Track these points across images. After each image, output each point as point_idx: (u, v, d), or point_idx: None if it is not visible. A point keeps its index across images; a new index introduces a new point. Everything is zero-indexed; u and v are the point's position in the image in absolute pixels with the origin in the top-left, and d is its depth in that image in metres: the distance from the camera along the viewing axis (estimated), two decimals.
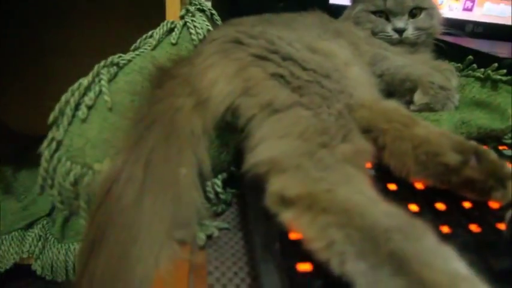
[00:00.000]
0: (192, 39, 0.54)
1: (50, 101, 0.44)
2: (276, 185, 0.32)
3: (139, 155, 0.36)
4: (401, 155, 0.38)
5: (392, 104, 0.44)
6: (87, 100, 0.44)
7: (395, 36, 0.69)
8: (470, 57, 0.62)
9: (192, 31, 0.55)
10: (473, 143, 0.39)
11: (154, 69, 0.47)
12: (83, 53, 0.80)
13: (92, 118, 0.44)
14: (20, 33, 0.89)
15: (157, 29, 0.54)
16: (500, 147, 0.50)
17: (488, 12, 0.94)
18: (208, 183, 0.44)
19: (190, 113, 0.40)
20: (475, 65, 0.61)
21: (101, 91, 0.44)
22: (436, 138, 0.39)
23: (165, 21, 0.55)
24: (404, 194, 0.38)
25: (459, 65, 0.65)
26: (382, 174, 0.40)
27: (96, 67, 0.46)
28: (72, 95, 0.44)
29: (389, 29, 0.70)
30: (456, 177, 0.36)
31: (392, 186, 0.39)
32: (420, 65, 0.60)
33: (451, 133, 0.41)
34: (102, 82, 0.45)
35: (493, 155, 0.38)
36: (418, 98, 0.54)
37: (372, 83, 0.53)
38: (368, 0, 0.72)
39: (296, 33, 0.53)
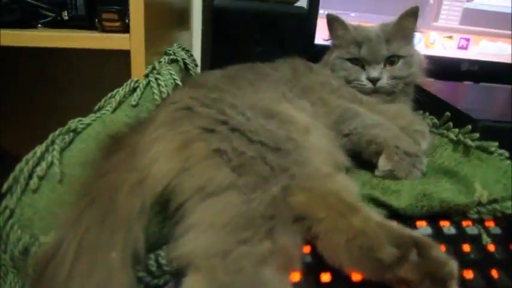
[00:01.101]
0: (155, 99, 0.55)
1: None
2: (186, 285, 0.32)
3: (75, 234, 0.37)
4: (334, 247, 0.37)
5: (337, 186, 0.42)
6: (39, 171, 0.45)
7: (369, 85, 0.67)
8: (448, 113, 0.59)
9: (155, 91, 0.56)
10: (415, 235, 0.37)
11: (107, 137, 0.48)
12: (83, 90, 0.84)
13: (42, 189, 0.45)
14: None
15: (121, 89, 0.55)
16: (464, 223, 0.47)
17: (485, 51, 0.89)
18: (152, 255, 0.44)
19: (130, 192, 0.41)
20: (450, 124, 0.58)
21: (52, 162, 0.46)
22: (373, 229, 0.37)
23: (129, 80, 0.56)
24: (338, 286, 0.37)
25: (436, 121, 0.62)
26: (317, 262, 0.38)
27: (51, 136, 0.48)
28: (26, 164, 0.46)
29: (363, 77, 0.67)
30: (390, 275, 0.35)
31: (325, 277, 0.38)
32: (391, 124, 0.58)
33: (391, 223, 0.39)
34: (55, 153, 0.46)
35: (436, 250, 0.35)
36: (382, 164, 0.52)
37: (331, 150, 0.52)
38: (344, 46, 0.70)
39: (256, 96, 0.53)
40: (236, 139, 0.43)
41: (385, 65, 0.67)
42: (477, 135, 0.52)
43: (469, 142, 0.52)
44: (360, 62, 0.68)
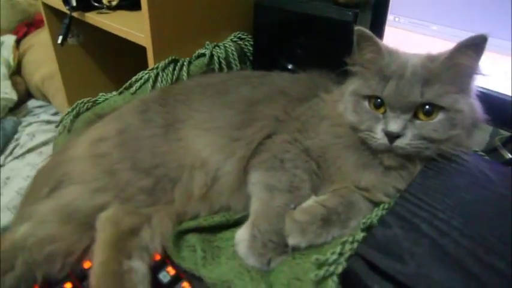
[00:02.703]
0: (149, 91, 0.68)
1: None
2: None
3: None
4: None
5: None
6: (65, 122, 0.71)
7: (384, 141, 0.45)
8: None
9: (149, 84, 0.67)
10: None
11: (93, 114, 0.66)
12: None
13: (60, 136, 0.71)
14: None
15: (139, 75, 0.70)
16: None
17: None
18: None
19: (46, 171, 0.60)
20: None
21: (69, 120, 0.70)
22: None
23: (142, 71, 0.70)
24: None
25: None
26: None
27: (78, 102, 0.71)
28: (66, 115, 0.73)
29: (378, 129, 0.46)
30: None
31: None
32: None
33: None
34: (71, 116, 0.70)
35: None
36: (238, 233, 0.48)
37: None
38: (367, 77, 0.48)
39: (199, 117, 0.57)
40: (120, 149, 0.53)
41: (414, 116, 0.45)
42: None
43: None
44: (382, 105, 0.47)
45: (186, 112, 0.57)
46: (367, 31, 0.48)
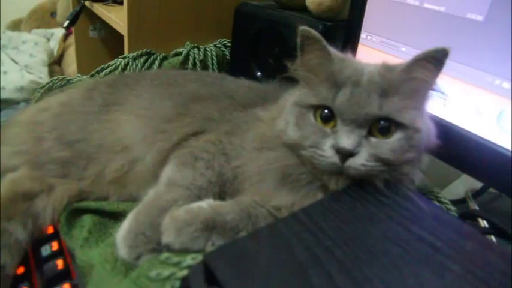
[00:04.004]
0: None
1: None
2: None
3: None
4: None
5: None
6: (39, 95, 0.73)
7: (334, 160, 0.37)
8: None
9: (117, 72, 0.68)
10: None
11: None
12: None
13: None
14: None
15: (112, 62, 0.72)
16: None
17: None
18: None
19: None
20: None
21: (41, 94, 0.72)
22: None
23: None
24: None
25: None
26: None
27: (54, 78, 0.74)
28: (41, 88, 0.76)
29: (326, 145, 0.38)
30: None
31: None
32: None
33: None
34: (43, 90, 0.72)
35: None
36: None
37: None
38: (314, 84, 0.41)
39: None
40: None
41: (370, 133, 0.38)
42: None
43: None
44: (331, 118, 0.39)
45: (127, 96, 0.56)
46: (314, 32, 0.41)
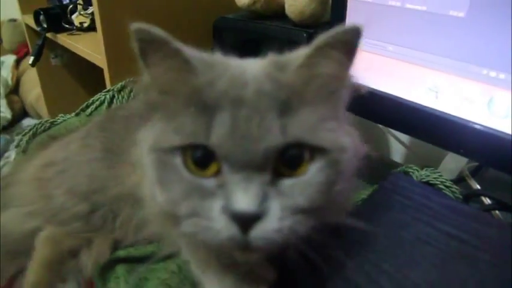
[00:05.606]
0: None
1: None
2: None
3: None
4: None
5: None
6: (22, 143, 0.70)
7: (229, 232, 0.25)
8: None
9: (104, 106, 0.66)
10: None
11: (46, 136, 0.65)
12: None
13: (16, 154, 0.70)
14: None
15: (96, 97, 0.69)
16: None
17: None
18: None
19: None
20: None
21: (23, 141, 0.69)
22: None
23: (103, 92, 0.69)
24: None
25: None
26: None
27: (38, 122, 0.70)
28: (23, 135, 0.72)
29: (214, 209, 0.25)
30: None
31: None
32: None
33: None
34: (27, 136, 0.69)
35: None
36: None
37: None
38: (171, 109, 0.28)
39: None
40: None
41: (276, 173, 0.26)
42: None
43: None
44: (210, 161, 0.26)
45: (123, 143, 0.55)
46: (158, 32, 0.27)
